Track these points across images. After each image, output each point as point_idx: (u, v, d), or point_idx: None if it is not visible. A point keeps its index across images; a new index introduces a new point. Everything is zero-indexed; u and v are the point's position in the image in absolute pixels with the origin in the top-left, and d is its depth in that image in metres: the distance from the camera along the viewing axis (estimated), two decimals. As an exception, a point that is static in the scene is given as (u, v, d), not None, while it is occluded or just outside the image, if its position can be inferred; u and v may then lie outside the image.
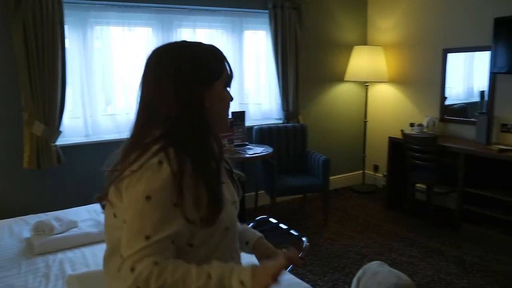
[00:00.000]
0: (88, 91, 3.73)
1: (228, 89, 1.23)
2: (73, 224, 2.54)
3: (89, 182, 3.70)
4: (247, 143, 4.12)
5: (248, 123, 4.46)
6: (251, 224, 3.07)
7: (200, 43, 1.22)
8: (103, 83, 3.85)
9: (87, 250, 2.30)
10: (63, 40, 3.37)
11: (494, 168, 3.79)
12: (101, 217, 2.74)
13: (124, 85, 3.97)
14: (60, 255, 2.24)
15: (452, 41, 4.33)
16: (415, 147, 4.07)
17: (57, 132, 3.44)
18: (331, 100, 5.12)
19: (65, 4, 3.36)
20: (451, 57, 4.39)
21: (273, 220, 2.96)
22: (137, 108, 1.19)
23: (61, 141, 3.55)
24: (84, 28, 3.64)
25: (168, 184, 1.03)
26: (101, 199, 1.26)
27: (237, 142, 4.05)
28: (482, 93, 4.20)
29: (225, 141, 3.90)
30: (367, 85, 5.09)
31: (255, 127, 4.35)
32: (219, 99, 1.18)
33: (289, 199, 4.71)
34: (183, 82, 1.12)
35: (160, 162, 1.04)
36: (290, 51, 4.47)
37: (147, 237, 1.00)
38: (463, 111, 4.46)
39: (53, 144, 3.43)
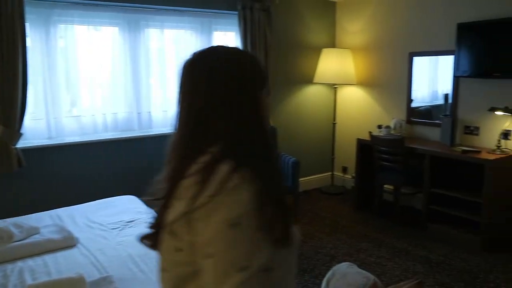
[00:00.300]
0: (51, 92, 3.60)
1: None
2: (34, 231, 2.44)
3: (52, 186, 3.59)
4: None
5: None
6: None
7: (238, 49, 1.12)
8: (68, 84, 3.73)
9: (49, 258, 2.21)
10: (24, 38, 3.24)
11: (458, 169, 3.89)
12: (65, 222, 2.65)
13: (90, 86, 3.86)
14: (19, 264, 2.14)
15: (417, 45, 4.43)
16: (383, 148, 4.14)
17: (17, 134, 3.30)
18: (301, 102, 5.15)
19: (26, 1, 3.23)
20: (417, 61, 4.48)
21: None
22: (182, 122, 1.03)
23: (22, 143, 3.40)
24: (47, 27, 3.52)
25: (251, 208, 0.92)
26: (150, 237, 1.08)
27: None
28: (446, 96, 4.32)
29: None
30: (335, 87, 5.14)
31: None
32: (265, 107, 1.08)
33: (259, 201, 4.68)
34: (244, 90, 1.01)
35: (238, 185, 0.93)
36: (260, 53, 4.45)
37: (241, 270, 0.89)
38: (429, 113, 4.57)
39: (13, 146, 3.29)
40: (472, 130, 4.03)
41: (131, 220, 2.70)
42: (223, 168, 0.94)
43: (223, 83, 1.01)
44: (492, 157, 3.52)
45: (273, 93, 4.73)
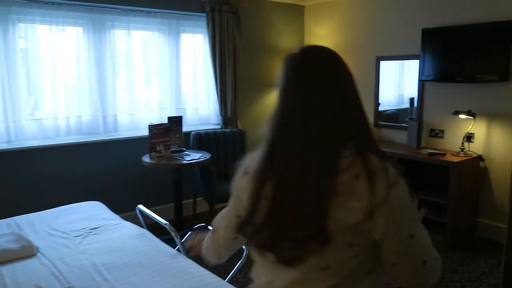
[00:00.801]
0: (10, 94, 3.44)
1: None
2: (-10, 240, 2.30)
3: (11, 193, 3.43)
4: (184, 149, 4.00)
5: (185, 128, 4.35)
6: (189, 232, 2.97)
7: None
8: (29, 86, 3.59)
9: (5, 269, 2.08)
10: (-20, 38, 3.08)
11: (425, 171, 3.97)
12: (24, 231, 2.52)
13: (53, 88, 3.71)
14: (-27, 276, 2.01)
15: (384, 49, 4.50)
16: (351, 151, 4.16)
17: (-27, 139, 3.14)
18: (269, 106, 5.14)
19: (-18, -2, 3.09)
20: (384, 65, 4.56)
21: (211, 228, 2.86)
22: (320, 117, 1.00)
23: (-22, 148, 3.24)
24: (5, 26, 3.36)
25: None
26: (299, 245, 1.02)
27: (174, 148, 3.92)
28: (411, 100, 4.40)
29: (161, 147, 3.77)
30: (304, 91, 5.15)
31: (193, 132, 4.25)
32: None
33: (229, 206, 4.63)
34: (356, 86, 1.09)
35: (396, 172, 1.02)
36: (228, 55, 4.42)
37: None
38: (395, 117, 4.65)
39: (-32, 151, 3.12)
40: (437, 133, 4.12)
41: (95, 227, 2.59)
42: (374, 159, 1.00)
43: (352, 81, 1.08)
44: (456, 159, 3.60)
45: (241, 96, 4.70)
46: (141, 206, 2.62)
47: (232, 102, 4.51)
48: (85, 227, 2.59)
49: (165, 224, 2.32)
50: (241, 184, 1.16)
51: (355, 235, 0.99)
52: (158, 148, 3.77)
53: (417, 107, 4.27)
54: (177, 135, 3.98)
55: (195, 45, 4.54)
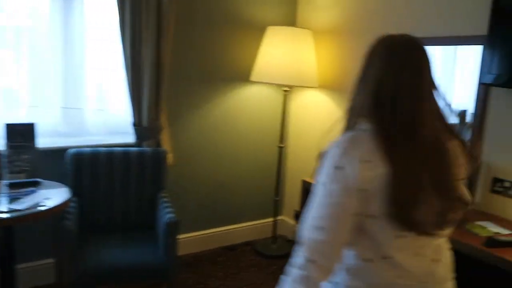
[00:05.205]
0: None
1: None
2: None
3: None
4: (38, 180, 2.29)
5: (86, 141, 2.70)
6: None
7: None
8: None
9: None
10: None
11: (480, 268, 2.01)
12: None
13: None
14: None
15: (420, 27, 2.57)
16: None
17: None
18: (227, 113, 3.26)
19: None
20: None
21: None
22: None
23: None
24: None
25: None
26: None
27: (15, 179, 2.23)
28: (462, 114, 2.46)
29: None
30: (286, 91, 3.27)
31: (71, 151, 2.51)
32: None
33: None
34: None
35: None
36: (148, 30, 2.63)
37: None
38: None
39: None
40: (507, 188, 2.15)
41: None
42: None
43: None
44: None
45: (172, 95, 2.94)
46: None
47: (151, 103, 2.72)
48: None
49: None
50: (367, 173, 1.01)
51: None
52: (-29, 181, 2.07)
53: (474, 132, 2.32)
54: (25, 157, 2.27)
55: (102, 11, 2.79)
